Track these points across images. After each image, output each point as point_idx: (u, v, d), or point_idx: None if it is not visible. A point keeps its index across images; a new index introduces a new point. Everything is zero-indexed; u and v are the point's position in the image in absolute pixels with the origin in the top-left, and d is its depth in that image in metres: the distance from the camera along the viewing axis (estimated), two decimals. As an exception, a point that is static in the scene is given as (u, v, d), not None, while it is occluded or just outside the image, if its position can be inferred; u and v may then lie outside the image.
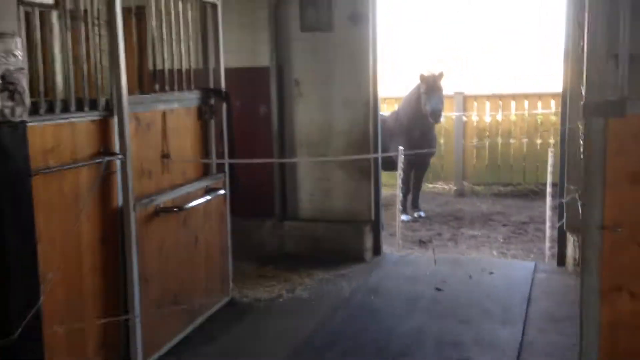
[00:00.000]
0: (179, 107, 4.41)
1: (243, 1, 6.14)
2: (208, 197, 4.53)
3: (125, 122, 3.61)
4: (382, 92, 6.38)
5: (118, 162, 3.61)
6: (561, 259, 5.57)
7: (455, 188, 9.37)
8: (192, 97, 4.58)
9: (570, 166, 5.37)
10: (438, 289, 5.14)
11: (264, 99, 6.16)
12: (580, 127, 5.40)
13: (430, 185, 9.63)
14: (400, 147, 6.60)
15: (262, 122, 6.22)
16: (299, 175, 6.25)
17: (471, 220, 8.03)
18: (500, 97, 9.21)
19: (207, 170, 4.76)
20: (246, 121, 6.28)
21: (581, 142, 5.14)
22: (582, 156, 2.98)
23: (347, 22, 5.91)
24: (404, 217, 7.96)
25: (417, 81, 7.87)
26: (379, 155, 6.14)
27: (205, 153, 4.74)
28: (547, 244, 5.98)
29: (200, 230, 4.56)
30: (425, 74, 7.88)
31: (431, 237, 7.33)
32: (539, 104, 9.12)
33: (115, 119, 3.61)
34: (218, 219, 4.82)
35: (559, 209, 5.53)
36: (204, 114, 4.71)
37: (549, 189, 5.97)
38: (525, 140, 9.21)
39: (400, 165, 6.52)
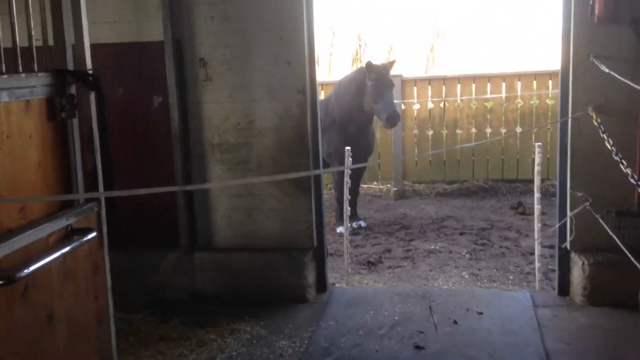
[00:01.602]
0: (11, 101, 2.64)
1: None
2: (67, 248, 2.79)
3: None
4: (320, 76, 4.82)
5: None
6: (563, 287, 4.28)
7: (394, 189, 8.00)
8: (35, 84, 2.80)
9: (577, 168, 4.07)
10: (417, 347, 3.69)
11: (158, 86, 4.43)
12: (594, 115, 4.16)
13: (365, 186, 8.22)
14: (347, 148, 5.07)
15: (157, 118, 4.49)
16: (211, 190, 4.59)
17: (421, 229, 6.68)
18: (445, 80, 7.90)
19: (69, 200, 3.01)
20: (133, 117, 4.53)
21: (604, 135, 3.88)
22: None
23: (270, -22, 4.31)
24: (339, 229, 6.53)
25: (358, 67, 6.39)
26: (321, 171, 4.61)
27: (64, 174, 2.99)
28: (537, 264, 4.69)
29: (58, 300, 2.82)
30: (374, 61, 6.47)
31: (380, 255, 5.90)
32: (503, 85, 7.86)
33: None
34: (89, 274, 3.08)
35: (559, 224, 4.22)
36: (59, 110, 2.94)
37: (537, 195, 4.67)
38: (473, 130, 7.98)
39: (346, 171, 5.00)
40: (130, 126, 4.49)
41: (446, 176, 8.10)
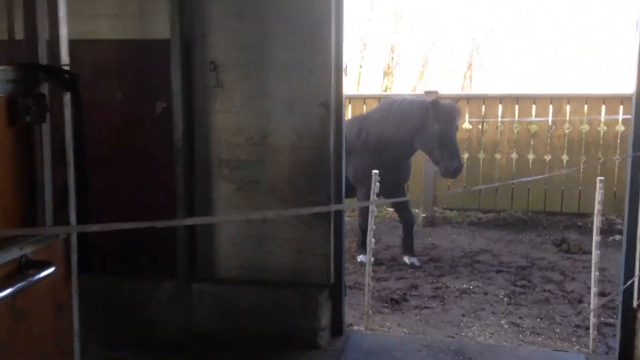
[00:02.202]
0: (-45, 99, 2.10)
1: None
2: (18, 285, 2.22)
3: None
4: (347, 89, 4.22)
5: None
6: (626, 351, 3.57)
7: (423, 215, 7.33)
8: (-9, 80, 2.25)
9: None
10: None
11: (161, 91, 3.87)
12: None
13: (391, 210, 7.56)
14: (375, 172, 4.43)
15: (158, 126, 3.92)
16: (216, 210, 4.00)
17: (452, 263, 6.00)
18: (485, 99, 7.23)
19: (31, 221, 2.45)
20: (131, 124, 3.97)
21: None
22: None
23: (296, -27, 3.73)
24: (360, 257, 5.90)
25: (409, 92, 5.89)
26: (343, 206, 4.00)
27: (26, 191, 2.43)
28: (592, 319, 3.98)
29: (4, 350, 2.24)
30: (441, 100, 5.81)
31: (405, 291, 5.24)
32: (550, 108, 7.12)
33: None
34: (48, 317, 2.50)
35: (626, 284, 3.52)
36: (22, 112, 2.39)
37: (595, 237, 3.98)
38: (514, 156, 7.28)
39: (373, 192, 4.38)
40: (129, 133, 3.94)
41: (481, 204, 7.39)
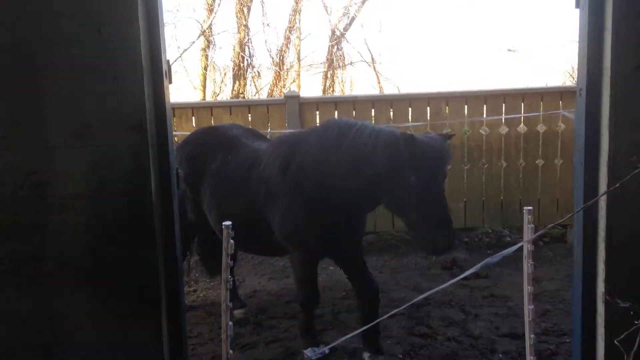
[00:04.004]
0: None
1: None
2: None
3: None
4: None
5: None
6: None
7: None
8: None
9: (618, 258, 2.40)
10: None
11: None
12: None
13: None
14: (228, 223, 3.01)
15: None
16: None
17: (334, 309, 4.84)
18: (355, 102, 6.15)
19: None
20: None
21: None
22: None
23: None
24: (308, 353, 3.96)
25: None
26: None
27: None
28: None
29: None
30: (417, 135, 3.49)
31: (280, 362, 3.97)
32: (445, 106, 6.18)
33: None
34: None
35: (581, 322, 2.52)
36: None
37: (527, 273, 2.95)
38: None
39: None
40: None
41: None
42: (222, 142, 4.38)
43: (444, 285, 2.56)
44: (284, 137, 4.29)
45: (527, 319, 2.87)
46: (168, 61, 2.61)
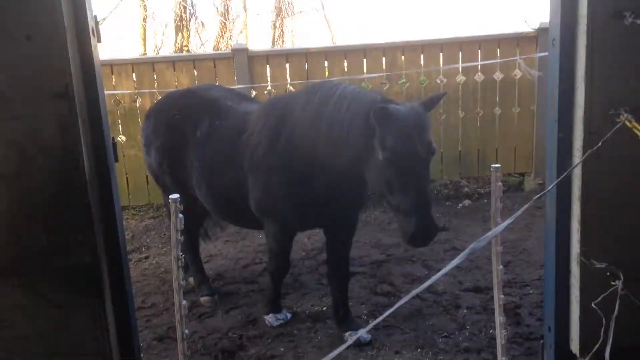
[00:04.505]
0: None
1: None
2: None
3: None
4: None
5: None
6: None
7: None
8: None
9: (594, 219, 2.28)
10: None
11: None
12: (631, 123, 2.16)
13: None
14: (175, 196, 2.75)
15: None
16: None
17: (294, 270, 4.69)
18: (307, 54, 5.83)
19: None
20: None
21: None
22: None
23: None
24: (269, 319, 3.88)
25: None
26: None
27: None
28: (501, 346, 2.88)
29: None
30: (392, 103, 3.05)
31: (241, 332, 3.81)
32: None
33: None
34: None
35: (555, 305, 2.42)
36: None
37: (495, 228, 2.83)
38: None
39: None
40: None
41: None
42: (205, 106, 3.92)
43: (437, 276, 2.38)
44: (276, 99, 3.88)
45: (495, 281, 2.76)
46: (95, 16, 2.28)
